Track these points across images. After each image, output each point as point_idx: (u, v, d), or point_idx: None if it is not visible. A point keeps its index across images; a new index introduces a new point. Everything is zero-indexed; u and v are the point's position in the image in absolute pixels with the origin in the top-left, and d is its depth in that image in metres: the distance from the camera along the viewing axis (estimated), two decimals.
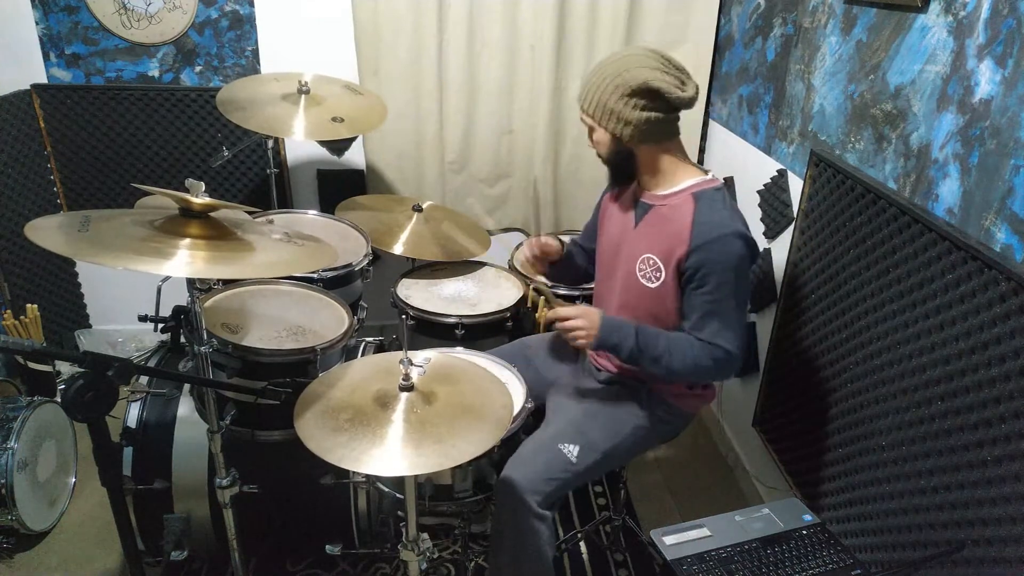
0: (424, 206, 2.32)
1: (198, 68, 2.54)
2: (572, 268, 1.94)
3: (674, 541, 1.39)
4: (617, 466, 1.84)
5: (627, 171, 1.61)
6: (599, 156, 1.62)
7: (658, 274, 1.54)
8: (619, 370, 1.69)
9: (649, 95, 1.47)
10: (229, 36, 2.51)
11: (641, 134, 1.51)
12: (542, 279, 2.04)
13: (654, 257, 1.54)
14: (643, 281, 1.57)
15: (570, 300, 2.10)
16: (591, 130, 1.59)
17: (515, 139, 2.67)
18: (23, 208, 2.47)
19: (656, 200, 1.58)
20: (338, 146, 2.71)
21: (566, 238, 1.95)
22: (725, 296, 1.47)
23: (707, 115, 2.69)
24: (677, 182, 1.56)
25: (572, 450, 1.56)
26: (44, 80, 2.49)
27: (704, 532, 1.41)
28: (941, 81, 1.39)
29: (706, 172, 1.58)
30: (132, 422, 1.74)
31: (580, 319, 1.55)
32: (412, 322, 2.05)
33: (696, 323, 1.51)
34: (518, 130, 2.65)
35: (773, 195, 2.10)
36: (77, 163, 2.60)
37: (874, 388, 1.55)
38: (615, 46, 2.52)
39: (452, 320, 2.01)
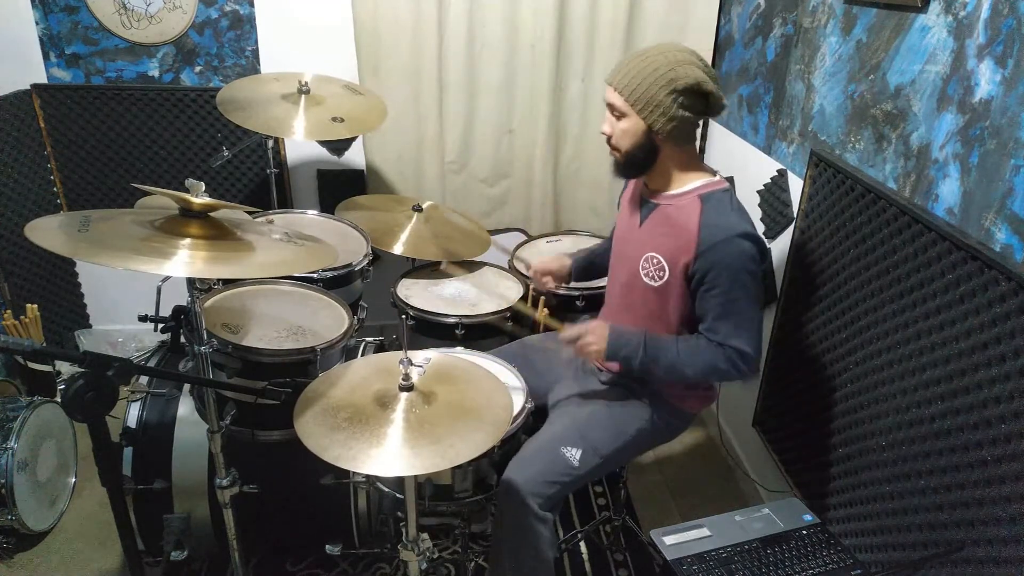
0: (424, 206, 2.32)
1: (198, 68, 2.54)
2: (600, 267, 1.90)
3: (674, 541, 1.39)
4: (618, 467, 1.84)
5: (641, 166, 1.57)
6: (615, 146, 1.55)
7: (661, 273, 1.54)
8: (621, 371, 1.69)
9: (695, 96, 1.46)
10: (229, 36, 2.50)
11: (674, 132, 1.50)
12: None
13: (658, 256, 1.55)
14: (646, 279, 1.58)
15: (569, 300, 2.11)
16: (619, 116, 1.52)
17: (515, 139, 2.67)
18: (23, 208, 2.47)
19: (663, 200, 1.57)
20: (338, 146, 2.71)
21: (568, 240, 1.93)
22: (737, 297, 1.47)
23: None
24: (685, 183, 1.56)
25: (574, 453, 1.56)
26: (44, 80, 2.49)
27: (704, 532, 1.41)
28: (941, 81, 1.39)
29: (713, 173, 1.58)
30: (132, 422, 1.74)
31: (589, 334, 1.57)
32: (412, 322, 2.05)
33: (710, 325, 1.51)
34: (518, 130, 2.65)
35: (773, 195, 2.10)
36: (77, 163, 2.60)
37: (874, 388, 1.55)
38: (615, 46, 2.52)
39: (452, 320, 2.01)
